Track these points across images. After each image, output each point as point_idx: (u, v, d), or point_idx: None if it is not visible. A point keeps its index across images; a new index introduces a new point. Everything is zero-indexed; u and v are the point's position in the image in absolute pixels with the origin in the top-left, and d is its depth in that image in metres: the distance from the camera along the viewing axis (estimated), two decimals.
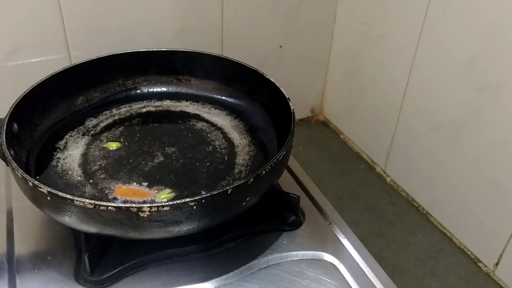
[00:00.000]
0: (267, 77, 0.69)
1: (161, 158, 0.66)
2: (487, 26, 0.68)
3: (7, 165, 0.56)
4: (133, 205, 0.48)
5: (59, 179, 0.62)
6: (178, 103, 0.77)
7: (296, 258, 0.59)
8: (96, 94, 0.75)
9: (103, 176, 0.62)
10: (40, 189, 0.50)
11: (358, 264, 0.59)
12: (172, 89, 0.78)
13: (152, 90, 0.78)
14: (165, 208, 0.49)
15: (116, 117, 0.73)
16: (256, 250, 0.59)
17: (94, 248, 0.54)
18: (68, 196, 0.49)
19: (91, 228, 0.51)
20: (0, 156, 0.57)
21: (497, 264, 0.74)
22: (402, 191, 0.90)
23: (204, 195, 0.50)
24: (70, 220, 0.51)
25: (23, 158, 0.62)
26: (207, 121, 0.73)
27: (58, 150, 0.66)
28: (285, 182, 0.69)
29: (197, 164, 0.65)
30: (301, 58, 1.00)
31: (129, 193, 0.60)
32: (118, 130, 0.71)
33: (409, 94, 0.84)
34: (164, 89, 0.78)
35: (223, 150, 0.68)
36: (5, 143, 0.56)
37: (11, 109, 0.61)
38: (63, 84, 0.70)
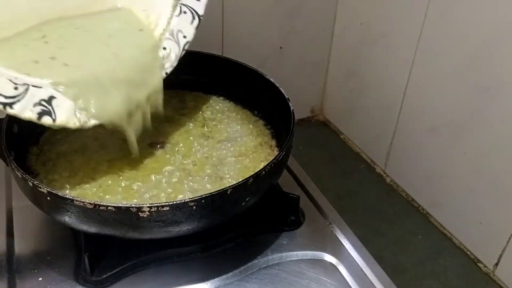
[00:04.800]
0: (267, 77, 0.69)
1: None
2: (487, 26, 0.68)
3: (7, 165, 0.56)
4: (133, 205, 0.48)
5: None
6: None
7: (296, 258, 0.59)
8: None
9: None
10: (40, 189, 0.50)
11: (358, 264, 0.59)
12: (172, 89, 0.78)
13: None
14: (165, 208, 0.49)
15: None
16: (256, 250, 0.59)
17: (94, 248, 0.54)
18: (68, 196, 0.49)
19: (91, 228, 0.51)
20: (0, 156, 0.57)
21: (497, 264, 0.74)
22: (402, 191, 0.90)
23: (204, 195, 0.50)
24: (70, 220, 0.51)
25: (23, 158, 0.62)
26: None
27: None
28: (285, 182, 0.69)
29: None
30: (301, 58, 1.00)
31: None
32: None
33: (409, 94, 0.84)
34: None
35: None
36: (5, 143, 0.56)
37: None
38: None
